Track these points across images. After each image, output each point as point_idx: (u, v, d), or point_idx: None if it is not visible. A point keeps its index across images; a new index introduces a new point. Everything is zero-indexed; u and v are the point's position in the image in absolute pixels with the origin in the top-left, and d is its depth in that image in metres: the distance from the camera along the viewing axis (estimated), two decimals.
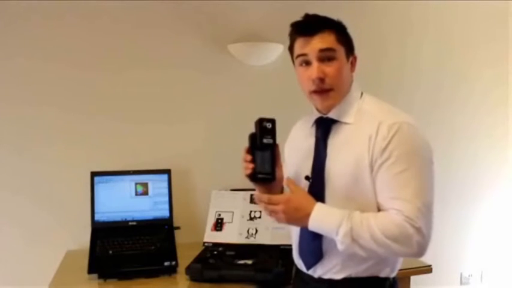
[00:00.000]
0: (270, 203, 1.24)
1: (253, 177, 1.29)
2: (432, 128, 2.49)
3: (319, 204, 1.22)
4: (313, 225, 1.22)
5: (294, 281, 1.46)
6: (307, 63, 1.27)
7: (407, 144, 1.19)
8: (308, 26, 1.26)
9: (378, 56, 2.41)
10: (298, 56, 1.28)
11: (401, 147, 1.18)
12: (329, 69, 1.24)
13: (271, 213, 1.25)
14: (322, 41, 1.24)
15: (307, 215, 1.21)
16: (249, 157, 1.28)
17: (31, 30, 2.06)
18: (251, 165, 1.27)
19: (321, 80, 1.24)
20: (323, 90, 1.26)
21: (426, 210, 1.17)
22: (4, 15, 2.03)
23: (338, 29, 1.27)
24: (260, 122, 1.27)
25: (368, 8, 2.41)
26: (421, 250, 1.17)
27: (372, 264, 1.27)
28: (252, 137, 1.29)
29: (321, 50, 1.24)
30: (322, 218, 1.21)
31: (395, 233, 1.15)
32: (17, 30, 2.05)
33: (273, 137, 1.27)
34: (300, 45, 1.27)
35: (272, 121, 1.26)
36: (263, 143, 1.26)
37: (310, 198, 1.24)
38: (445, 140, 2.56)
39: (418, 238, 1.15)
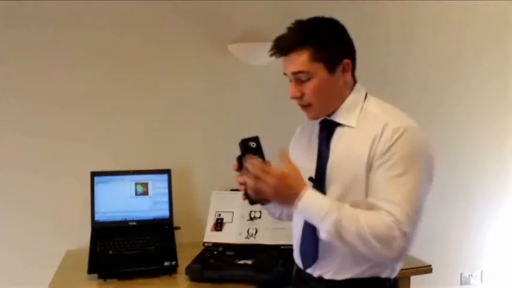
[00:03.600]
0: (263, 171, 1.19)
1: (250, 200, 1.27)
2: (435, 129, 2.50)
3: (310, 189, 1.21)
4: (301, 207, 1.20)
5: (295, 281, 1.46)
6: (291, 80, 1.30)
7: (409, 148, 1.19)
8: (280, 47, 1.27)
9: (381, 56, 2.41)
10: (284, 73, 1.31)
11: (402, 150, 1.18)
12: (305, 88, 1.27)
13: (258, 182, 1.19)
14: (293, 63, 1.25)
15: (297, 195, 1.19)
16: (241, 179, 1.25)
17: (33, 33, 2.06)
18: (244, 188, 1.25)
19: (299, 97, 1.28)
20: (303, 105, 1.30)
21: (415, 217, 1.17)
22: (6, 16, 2.03)
23: (316, 44, 1.23)
24: (244, 143, 1.24)
25: (370, 9, 2.40)
26: (401, 255, 1.17)
27: (373, 265, 1.27)
28: (240, 159, 1.26)
29: (293, 73, 1.26)
30: (311, 202, 1.19)
31: (382, 233, 1.14)
32: (19, 33, 2.05)
33: (261, 154, 1.24)
34: (283, 63, 1.30)
35: (256, 139, 1.25)
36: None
37: (303, 180, 1.22)
38: (447, 141, 2.56)
39: (401, 242, 1.14)
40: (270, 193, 1.19)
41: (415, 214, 1.17)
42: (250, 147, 1.24)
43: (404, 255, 1.18)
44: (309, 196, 1.19)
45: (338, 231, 1.16)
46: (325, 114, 1.32)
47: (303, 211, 1.21)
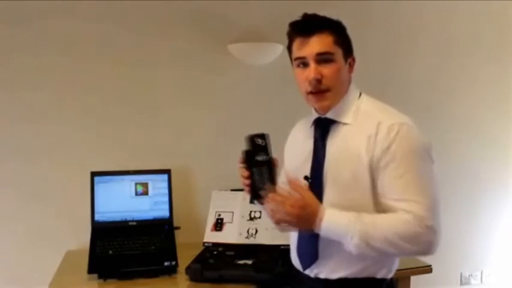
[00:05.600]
0: (283, 202, 1.19)
1: (252, 195, 1.29)
2: (434, 128, 2.49)
3: (328, 208, 1.21)
4: (325, 230, 1.20)
5: (292, 281, 1.46)
6: (305, 64, 1.27)
7: (409, 145, 1.20)
8: (306, 26, 1.26)
9: (380, 56, 2.42)
10: (296, 58, 1.29)
11: (403, 148, 1.19)
12: (326, 70, 1.25)
13: (279, 213, 1.20)
14: (319, 43, 1.24)
15: (320, 220, 1.19)
16: (245, 173, 1.27)
17: (35, 33, 2.06)
18: (247, 182, 1.27)
19: (318, 81, 1.25)
20: (319, 91, 1.26)
21: (435, 207, 1.19)
22: (16, 16, 2.04)
23: (337, 30, 1.27)
24: (251, 139, 1.24)
25: (374, 9, 2.41)
26: (433, 248, 1.18)
27: (369, 264, 1.27)
28: (246, 154, 1.26)
29: (319, 54, 1.24)
30: (332, 222, 1.19)
31: (408, 233, 1.16)
32: (21, 32, 2.05)
33: (267, 153, 1.24)
34: (297, 47, 1.27)
35: (263, 136, 1.24)
36: (258, 160, 1.24)
37: (318, 202, 1.23)
38: (447, 140, 2.56)
39: (429, 236, 1.16)
40: (293, 222, 1.20)
41: (434, 205, 1.19)
42: (258, 145, 1.24)
43: (437, 246, 1.19)
44: (329, 216, 1.20)
45: (366, 242, 1.17)
46: (333, 106, 1.30)
47: (327, 232, 1.21)
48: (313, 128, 1.36)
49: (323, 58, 1.24)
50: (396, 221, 1.17)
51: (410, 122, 1.24)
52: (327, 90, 1.26)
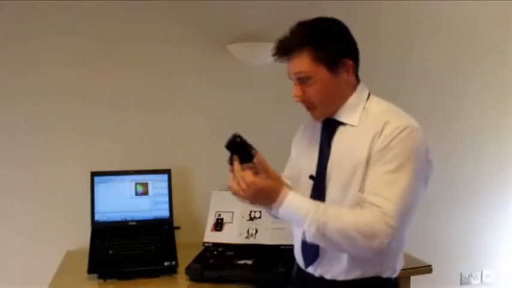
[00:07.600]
0: (240, 175, 1.20)
1: None
2: (435, 129, 2.50)
3: (290, 194, 1.21)
4: (282, 215, 1.22)
5: (295, 280, 1.46)
6: (296, 84, 1.30)
7: (407, 146, 1.19)
8: (281, 49, 1.27)
9: (380, 57, 2.42)
10: (288, 77, 1.32)
11: (400, 147, 1.18)
12: (308, 89, 1.27)
13: (235, 184, 1.22)
14: (296, 64, 1.26)
15: (280, 203, 1.20)
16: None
17: (30, 32, 2.06)
18: None
19: (303, 98, 1.29)
20: (307, 106, 1.30)
21: (403, 214, 1.17)
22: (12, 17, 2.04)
23: (316, 45, 1.24)
24: (234, 142, 1.24)
25: (372, 10, 2.41)
26: (385, 248, 1.15)
27: (375, 264, 1.27)
28: (240, 157, 1.25)
29: (295, 74, 1.27)
30: (291, 209, 1.20)
31: (368, 227, 1.14)
32: (18, 33, 2.05)
33: (250, 146, 1.25)
34: (286, 66, 1.30)
35: (237, 135, 1.25)
36: (252, 155, 1.24)
37: (280, 186, 1.21)
38: (446, 141, 2.56)
39: (387, 235, 1.14)
40: (247, 199, 1.22)
41: (403, 211, 1.17)
42: (242, 143, 1.25)
43: (386, 249, 1.16)
44: (288, 202, 1.20)
45: (322, 233, 1.16)
46: (328, 114, 1.32)
47: (284, 217, 1.23)
48: (320, 127, 1.36)
49: (301, 78, 1.27)
50: (359, 213, 1.17)
51: (418, 125, 1.23)
52: (313, 105, 1.29)
